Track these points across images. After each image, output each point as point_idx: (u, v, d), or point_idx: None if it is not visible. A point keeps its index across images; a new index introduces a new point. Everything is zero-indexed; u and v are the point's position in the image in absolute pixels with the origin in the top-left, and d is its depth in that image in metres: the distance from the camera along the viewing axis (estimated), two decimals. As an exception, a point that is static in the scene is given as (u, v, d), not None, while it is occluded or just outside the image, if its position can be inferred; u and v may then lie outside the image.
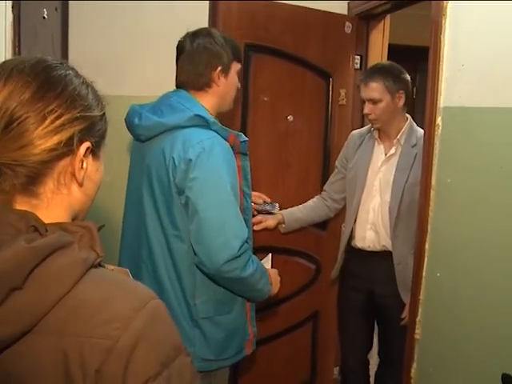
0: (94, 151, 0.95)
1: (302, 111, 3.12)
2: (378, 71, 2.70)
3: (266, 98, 2.98)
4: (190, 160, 1.83)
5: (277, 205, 2.91)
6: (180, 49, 2.05)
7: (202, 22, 2.77)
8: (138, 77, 2.88)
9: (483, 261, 2.05)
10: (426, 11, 2.39)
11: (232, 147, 1.96)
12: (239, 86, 2.16)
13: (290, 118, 3.07)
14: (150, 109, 2.01)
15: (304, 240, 3.22)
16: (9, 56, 1.91)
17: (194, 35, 2.04)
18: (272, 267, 2.30)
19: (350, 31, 3.14)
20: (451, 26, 2.23)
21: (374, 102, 2.66)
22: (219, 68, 2.02)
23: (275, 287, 2.12)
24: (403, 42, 4.40)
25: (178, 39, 2.08)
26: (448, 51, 2.25)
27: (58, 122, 0.87)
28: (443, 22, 2.24)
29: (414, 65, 2.77)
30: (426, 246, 2.37)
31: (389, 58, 3.34)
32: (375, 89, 2.66)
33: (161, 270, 1.97)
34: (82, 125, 0.90)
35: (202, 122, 1.91)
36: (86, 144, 0.92)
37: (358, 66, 3.24)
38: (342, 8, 3.19)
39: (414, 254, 2.48)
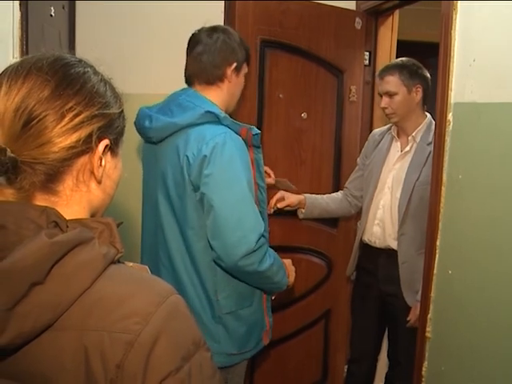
0: (112, 148, 0.96)
1: (315, 108, 3.12)
2: (395, 66, 2.71)
3: (281, 95, 2.98)
4: (205, 156, 1.84)
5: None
6: (195, 41, 2.05)
7: (217, 18, 2.76)
8: (149, 75, 2.87)
9: (496, 258, 2.02)
10: (436, 7, 2.36)
11: (245, 140, 1.96)
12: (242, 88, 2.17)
13: (304, 115, 3.07)
14: (159, 110, 2.01)
15: (316, 238, 3.22)
16: (17, 54, 1.91)
17: (211, 29, 2.05)
18: None
19: (360, 27, 3.12)
20: (462, 20, 2.19)
21: (390, 95, 2.67)
22: (234, 65, 2.04)
23: (291, 278, 2.14)
24: (412, 39, 4.37)
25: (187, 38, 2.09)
26: (459, 46, 2.21)
27: (77, 120, 0.87)
28: (454, 16, 2.20)
29: (424, 61, 2.73)
30: (438, 242, 2.33)
31: (398, 55, 3.31)
32: (391, 81, 2.67)
33: (180, 270, 1.98)
34: (101, 122, 0.90)
35: (213, 118, 1.92)
36: (105, 141, 0.92)
37: (367, 62, 3.23)
38: (349, 4, 3.18)
39: (424, 251, 2.44)
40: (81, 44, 2.81)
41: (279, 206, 2.74)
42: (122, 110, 0.98)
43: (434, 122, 2.67)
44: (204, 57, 2.02)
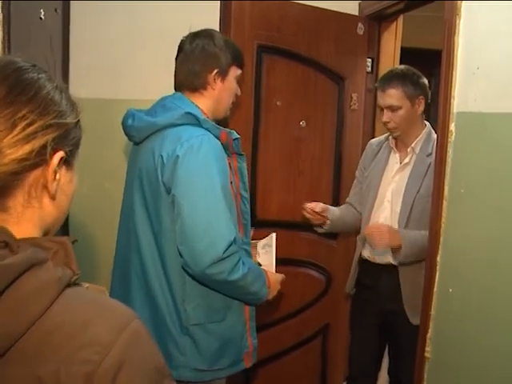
0: (67, 161, 0.89)
1: (314, 116, 3.04)
2: (396, 77, 2.57)
3: (278, 103, 2.90)
4: (178, 157, 1.80)
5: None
6: (179, 48, 2.05)
7: (213, 23, 2.68)
8: (145, 80, 2.79)
9: (499, 276, 1.93)
10: (440, 13, 2.27)
11: (226, 146, 1.93)
12: (239, 92, 2.13)
13: (302, 123, 2.99)
14: (147, 111, 2.01)
15: (315, 250, 3.15)
16: (-2, 57, 1.83)
17: (194, 35, 2.03)
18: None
19: (362, 32, 3.04)
20: (465, 26, 2.11)
21: (393, 109, 2.55)
22: (215, 71, 2.00)
23: (273, 291, 2.05)
24: (416, 45, 4.26)
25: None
26: (462, 53, 2.12)
27: (30, 130, 0.81)
28: (457, 22, 2.12)
29: (428, 69, 2.65)
30: (438, 259, 2.24)
31: (401, 62, 3.23)
32: (394, 95, 2.54)
33: (151, 276, 1.93)
34: (56, 132, 0.84)
35: (193, 120, 1.89)
36: (60, 153, 0.86)
37: (370, 69, 3.15)
38: (352, 8, 3.10)
39: (424, 267, 2.34)
40: (75, 49, 2.73)
41: (317, 210, 2.65)
42: (79, 120, 0.92)
43: (433, 132, 2.63)
44: (184, 66, 2.02)
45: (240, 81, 2.12)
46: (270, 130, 2.90)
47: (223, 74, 2.01)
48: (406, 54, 3.37)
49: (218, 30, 2.52)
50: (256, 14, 2.73)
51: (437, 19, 2.59)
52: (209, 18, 2.69)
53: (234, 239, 1.80)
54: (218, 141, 1.89)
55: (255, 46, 2.72)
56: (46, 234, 0.90)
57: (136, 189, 1.96)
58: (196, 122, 1.88)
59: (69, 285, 0.81)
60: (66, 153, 0.87)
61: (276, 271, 2.18)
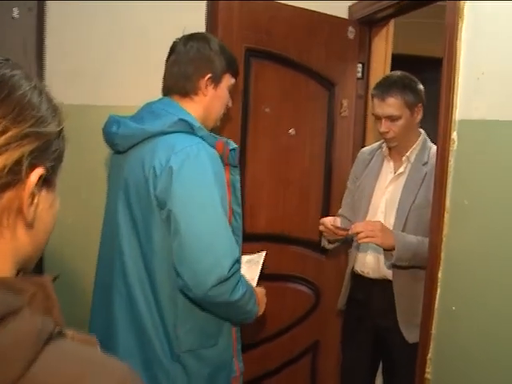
0: (48, 180, 0.73)
1: (304, 124, 2.92)
2: (395, 85, 2.44)
3: (267, 109, 2.77)
4: (172, 168, 1.65)
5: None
6: (171, 50, 1.93)
7: (199, 24, 2.55)
8: (129, 85, 2.63)
9: (506, 294, 1.81)
10: (431, 19, 2.18)
11: (221, 157, 1.79)
12: (230, 103, 2.01)
13: (291, 131, 2.86)
14: (131, 117, 1.86)
15: (303, 265, 3.02)
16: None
17: (188, 37, 1.91)
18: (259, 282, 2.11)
19: (353, 37, 2.93)
20: (469, 29, 2.00)
21: (393, 119, 2.43)
22: (208, 75, 1.87)
23: (261, 307, 1.95)
24: (405, 52, 4.18)
25: (167, 46, 1.96)
26: (465, 57, 2.02)
27: (2, 140, 0.65)
28: (459, 24, 2.01)
29: (418, 76, 2.51)
30: (439, 275, 2.13)
31: (392, 68, 3.13)
32: (394, 105, 2.41)
33: (138, 299, 1.77)
34: (34, 144, 0.69)
35: (186, 128, 1.74)
36: (39, 170, 0.70)
37: (360, 74, 3.03)
38: (342, 11, 2.98)
39: (424, 283, 2.22)
40: (51, 52, 2.55)
41: (338, 224, 2.45)
42: (62, 129, 0.75)
43: (428, 140, 2.54)
44: (175, 68, 1.89)
45: (232, 91, 1.99)
46: (259, 138, 2.77)
47: (216, 81, 1.89)
48: (395, 60, 3.27)
49: (203, 31, 2.38)
50: (245, 15, 2.59)
51: (426, 25, 2.52)
52: (194, 18, 2.55)
53: (238, 256, 1.70)
54: (214, 150, 1.75)
55: (243, 49, 2.58)
56: (20, 271, 0.74)
57: (121, 203, 1.80)
58: (190, 129, 1.74)
59: (51, 337, 0.65)
60: (46, 169, 0.71)
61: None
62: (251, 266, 2.15)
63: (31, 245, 0.73)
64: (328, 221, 2.44)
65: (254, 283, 2.09)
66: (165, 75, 1.92)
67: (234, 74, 1.97)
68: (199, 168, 1.67)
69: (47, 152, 0.71)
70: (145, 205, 1.71)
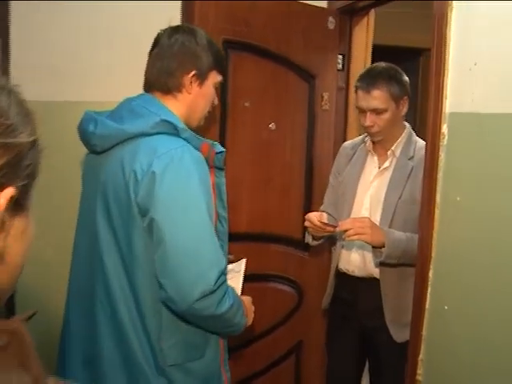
0: (20, 202, 0.61)
1: (284, 118, 2.82)
2: (381, 76, 2.34)
3: (247, 104, 2.66)
4: (155, 173, 1.53)
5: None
6: (155, 42, 1.78)
7: (174, 13, 2.43)
8: (100, 81, 2.50)
9: (501, 293, 1.75)
10: (411, 8, 2.09)
11: (206, 160, 1.67)
12: (216, 101, 1.89)
13: (272, 125, 2.76)
14: (109, 115, 1.70)
15: (284, 263, 2.93)
16: None
17: (174, 29, 1.78)
18: (243, 290, 2.02)
19: (333, 27, 2.84)
20: (459, 17, 1.91)
21: (378, 112, 2.33)
22: (193, 72, 1.74)
23: (250, 318, 1.85)
24: (385, 43, 4.10)
25: (145, 37, 1.82)
26: (455, 47, 1.93)
27: None
28: (449, 12, 1.93)
29: (399, 66, 2.42)
30: (430, 274, 2.06)
31: (372, 59, 3.06)
32: (380, 97, 2.32)
33: (121, 310, 1.64)
34: (2, 159, 0.58)
35: (170, 129, 1.62)
36: (9, 191, 0.59)
37: (341, 66, 2.95)
38: (321, 1, 2.89)
39: (414, 282, 2.15)
40: (16, 47, 2.43)
41: (325, 220, 2.33)
42: (36, 140, 0.63)
43: (413, 133, 2.46)
44: (158, 62, 1.75)
45: (218, 89, 1.88)
46: (238, 133, 2.66)
47: (202, 78, 1.76)
48: (376, 51, 3.20)
49: (179, 23, 2.26)
50: (222, 6, 2.48)
51: (406, 15, 2.45)
52: (169, 10, 2.42)
53: (225, 267, 1.59)
54: (199, 153, 1.63)
55: (221, 40, 2.46)
56: None
57: (100, 208, 1.66)
58: (174, 130, 1.62)
59: None
60: (17, 189, 0.60)
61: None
62: (233, 276, 2.07)
63: (2, 279, 0.61)
64: (314, 216, 2.33)
65: (238, 292, 2.01)
66: (147, 69, 1.78)
67: (221, 71, 1.85)
68: (183, 173, 1.56)
69: (18, 168, 0.60)
70: (125, 212, 1.59)
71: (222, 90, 2.51)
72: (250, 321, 1.85)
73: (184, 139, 1.62)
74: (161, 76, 1.73)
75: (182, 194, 1.55)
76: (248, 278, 2.45)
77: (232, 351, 2.60)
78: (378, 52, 3.25)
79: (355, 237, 2.21)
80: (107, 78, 2.46)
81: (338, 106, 2.96)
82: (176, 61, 1.71)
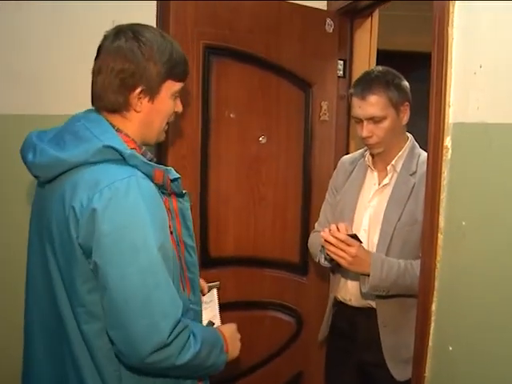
0: None
1: (277, 130, 2.61)
2: (377, 80, 2.12)
3: (232, 115, 2.46)
4: (95, 210, 1.32)
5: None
6: (99, 47, 1.53)
7: (149, 19, 2.19)
8: (71, 91, 2.30)
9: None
10: (416, 12, 1.87)
11: (162, 187, 1.48)
12: (180, 108, 1.65)
13: (262, 139, 2.55)
14: (52, 138, 1.48)
15: (281, 289, 2.72)
16: None
17: (115, 34, 1.51)
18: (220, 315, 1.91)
19: (331, 30, 2.64)
20: (463, 15, 1.70)
21: (376, 120, 2.10)
22: (139, 89, 1.49)
23: (233, 350, 1.66)
24: (389, 47, 3.87)
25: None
26: (459, 49, 1.72)
27: None
28: (451, 9, 1.72)
29: (406, 75, 2.19)
30: (433, 307, 1.84)
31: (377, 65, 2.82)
32: (377, 104, 2.09)
33: (80, 360, 1.46)
34: None
35: (115, 156, 1.40)
36: None
37: (341, 72, 2.74)
38: (318, 1, 2.69)
39: (416, 317, 1.92)
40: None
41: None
42: None
43: (417, 146, 2.24)
44: (100, 76, 1.50)
45: (183, 94, 1.66)
46: (222, 148, 2.45)
47: (152, 93, 1.52)
48: (379, 56, 2.96)
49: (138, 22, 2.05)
50: (201, 8, 2.27)
51: (411, 18, 2.23)
52: (144, 13, 2.22)
53: (181, 314, 1.39)
54: (150, 182, 1.42)
55: (201, 46, 2.27)
56: None
57: (48, 245, 1.47)
58: (119, 157, 1.41)
59: None
60: None
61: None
62: (207, 308, 1.91)
63: None
64: (341, 227, 2.05)
65: (217, 322, 1.87)
66: (92, 82, 1.54)
67: (180, 78, 1.60)
68: (129, 209, 1.35)
69: None
70: (68, 252, 1.40)
71: (203, 100, 2.31)
72: (234, 352, 1.66)
73: (133, 166, 1.41)
74: (104, 93, 1.49)
75: (127, 234, 1.35)
76: (241, 305, 2.26)
77: (226, 384, 2.43)
78: (388, 58, 3.02)
79: (333, 256, 2.01)
80: (78, 88, 2.27)
81: (338, 116, 2.75)
82: (118, 77, 1.47)
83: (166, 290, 1.38)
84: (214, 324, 1.78)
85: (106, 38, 1.53)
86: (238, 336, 1.71)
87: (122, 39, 1.48)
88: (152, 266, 1.35)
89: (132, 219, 1.35)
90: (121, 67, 1.46)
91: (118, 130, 1.49)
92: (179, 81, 1.58)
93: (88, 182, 1.36)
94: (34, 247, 1.57)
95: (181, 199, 1.57)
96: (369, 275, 2.03)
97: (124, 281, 1.32)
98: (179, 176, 1.51)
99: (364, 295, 2.17)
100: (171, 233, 1.50)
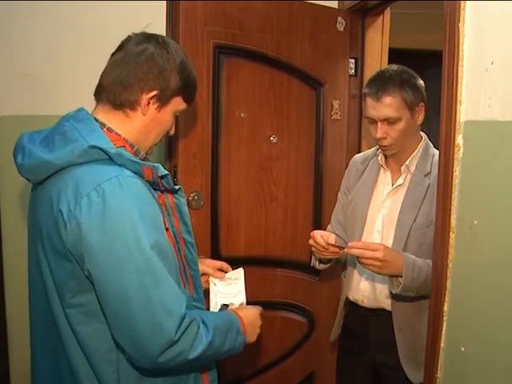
0: None
1: (288, 129, 2.60)
2: (392, 80, 2.07)
3: (243, 114, 2.46)
4: (83, 217, 1.31)
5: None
6: (121, 45, 1.53)
7: (158, 20, 2.19)
8: (82, 91, 2.29)
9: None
10: (429, 9, 1.84)
11: (154, 183, 1.46)
12: (173, 132, 1.63)
13: (273, 138, 2.54)
14: (43, 139, 1.47)
15: (293, 289, 2.72)
16: None
17: (146, 37, 1.52)
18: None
19: (342, 28, 2.62)
20: (474, 10, 1.67)
21: (391, 122, 2.06)
22: (154, 92, 1.48)
23: (252, 334, 1.64)
24: (402, 46, 3.82)
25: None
26: (470, 45, 1.69)
27: None
28: (462, 6, 1.69)
29: (419, 72, 2.15)
30: (445, 308, 1.81)
31: (389, 63, 2.79)
32: (392, 105, 2.04)
33: (74, 359, 1.45)
34: None
35: (101, 156, 1.38)
36: None
37: (353, 71, 2.72)
38: (330, 1, 2.68)
39: (428, 317, 1.90)
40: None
41: (332, 241, 2.08)
42: None
43: (431, 146, 2.19)
44: (117, 69, 1.48)
45: (179, 117, 1.65)
46: (233, 147, 2.45)
47: (162, 102, 1.51)
48: (391, 55, 2.94)
49: (164, 27, 2.05)
50: (211, 7, 2.26)
51: (424, 16, 2.20)
52: (154, 12, 2.23)
53: (186, 310, 1.37)
54: (138, 180, 1.40)
55: (211, 46, 2.26)
56: None
57: (40, 247, 1.46)
58: (106, 156, 1.39)
59: None
60: None
61: None
62: (229, 284, 1.89)
63: None
64: (319, 235, 2.07)
65: (242, 296, 1.86)
66: (103, 73, 1.53)
67: (189, 99, 1.60)
68: (117, 210, 1.32)
69: None
70: (58, 255, 1.39)
71: (213, 99, 2.31)
72: (252, 336, 1.64)
73: (120, 165, 1.39)
74: (115, 86, 1.48)
75: (118, 238, 1.32)
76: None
77: (236, 384, 2.43)
78: (400, 56, 2.99)
79: (362, 265, 1.95)
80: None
81: (350, 114, 2.74)
82: (137, 74, 1.47)
83: (166, 287, 1.36)
84: (227, 306, 1.75)
85: (132, 37, 1.53)
86: (259, 322, 1.69)
87: (151, 43, 1.49)
88: (147, 264, 1.33)
89: (121, 221, 1.32)
90: (146, 67, 1.46)
91: (108, 129, 1.47)
92: (186, 101, 1.58)
93: (74, 185, 1.35)
94: (31, 248, 1.57)
95: (176, 195, 1.55)
96: (397, 276, 1.99)
97: (122, 285, 1.31)
98: (167, 173, 1.48)
99: (384, 296, 2.13)
100: (167, 229, 1.48)
